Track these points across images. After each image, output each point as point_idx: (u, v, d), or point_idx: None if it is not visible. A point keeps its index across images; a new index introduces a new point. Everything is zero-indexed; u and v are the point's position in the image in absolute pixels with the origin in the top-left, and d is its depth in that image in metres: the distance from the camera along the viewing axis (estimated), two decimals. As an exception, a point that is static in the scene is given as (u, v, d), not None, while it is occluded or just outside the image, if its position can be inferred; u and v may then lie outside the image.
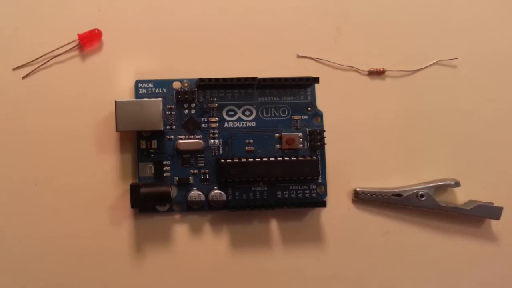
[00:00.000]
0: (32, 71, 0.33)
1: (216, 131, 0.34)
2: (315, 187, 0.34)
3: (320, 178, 0.34)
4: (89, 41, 0.34)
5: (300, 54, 0.36)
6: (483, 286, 0.35)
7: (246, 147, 0.34)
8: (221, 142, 0.34)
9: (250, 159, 0.33)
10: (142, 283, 0.33)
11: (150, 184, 0.32)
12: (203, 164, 0.33)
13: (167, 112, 0.33)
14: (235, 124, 0.34)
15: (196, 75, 0.33)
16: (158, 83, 0.33)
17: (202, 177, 0.33)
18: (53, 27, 0.34)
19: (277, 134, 0.34)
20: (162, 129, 0.32)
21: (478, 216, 0.35)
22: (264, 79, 0.33)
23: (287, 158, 0.33)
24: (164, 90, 0.33)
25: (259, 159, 0.33)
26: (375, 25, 0.36)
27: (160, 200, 0.32)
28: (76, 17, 0.34)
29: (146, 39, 0.35)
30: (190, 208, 0.33)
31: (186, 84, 0.34)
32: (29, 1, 0.34)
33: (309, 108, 0.35)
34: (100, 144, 0.33)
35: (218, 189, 0.33)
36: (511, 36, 0.37)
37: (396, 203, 0.35)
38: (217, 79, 0.32)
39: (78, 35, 0.33)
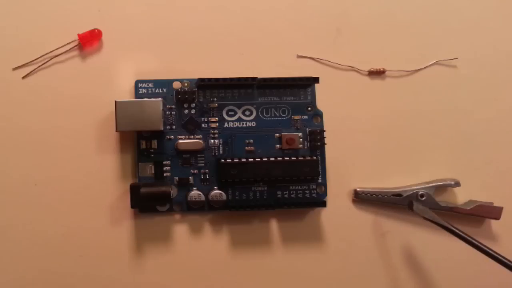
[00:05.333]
0: (32, 71, 0.33)
1: (216, 131, 0.34)
2: (315, 187, 0.34)
3: (320, 178, 0.34)
4: (89, 41, 0.34)
5: (300, 54, 0.36)
6: (483, 286, 0.35)
7: (246, 147, 0.34)
8: (221, 142, 0.34)
9: (250, 159, 0.33)
10: (142, 283, 0.33)
11: (150, 184, 0.32)
12: (203, 164, 0.33)
13: (167, 112, 0.33)
14: (235, 124, 0.34)
15: (196, 75, 0.33)
16: (158, 83, 0.33)
17: (202, 177, 0.33)
18: (53, 27, 0.34)
19: (277, 134, 0.34)
20: (162, 129, 0.32)
21: (478, 216, 0.35)
22: (264, 79, 0.33)
23: (287, 158, 0.33)
24: (164, 90, 0.33)
25: (259, 159, 0.33)
26: (375, 25, 0.36)
27: (160, 200, 0.32)
28: (76, 17, 0.34)
29: (146, 39, 0.35)
30: (190, 208, 0.33)
31: (186, 84, 0.34)
32: (29, 1, 0.34)
33: (309, 108, 0.35)
34: (100, 144, 0.33)
35: (218, 189, 0.33)
36: (511, 36, 0.37)
37: (396, 203, 0.35)
38: (217, 79, 0.32)
39: (78, 35, 0.33)
